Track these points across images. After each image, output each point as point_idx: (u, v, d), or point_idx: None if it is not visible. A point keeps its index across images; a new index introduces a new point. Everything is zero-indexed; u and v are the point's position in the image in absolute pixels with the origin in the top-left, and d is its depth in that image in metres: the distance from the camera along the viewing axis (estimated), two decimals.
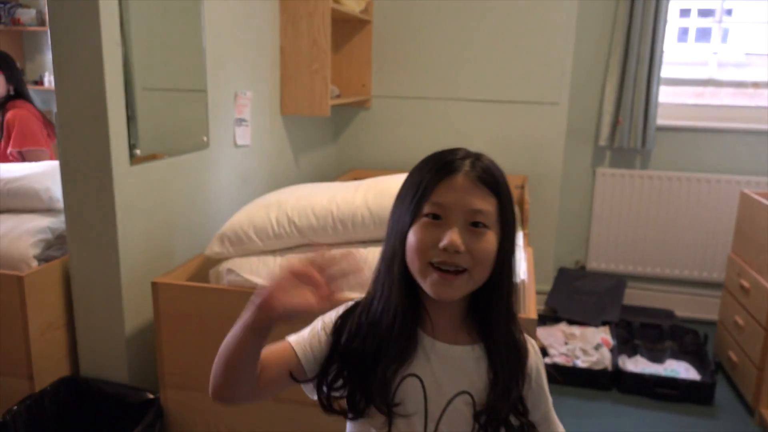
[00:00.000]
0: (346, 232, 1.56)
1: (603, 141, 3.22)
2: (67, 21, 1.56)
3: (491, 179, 0.85)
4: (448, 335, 0.89)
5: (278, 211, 1.62)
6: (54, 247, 1.80)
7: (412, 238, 0.84)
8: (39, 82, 4.02)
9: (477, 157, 0.87)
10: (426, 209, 0.83)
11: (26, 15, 3.77)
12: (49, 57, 4.42)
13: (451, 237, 0.80)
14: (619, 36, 3.12)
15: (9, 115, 2.47)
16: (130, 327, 1.73)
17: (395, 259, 0.86)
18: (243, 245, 1.61)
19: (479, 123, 3.23)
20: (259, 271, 1.57)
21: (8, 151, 2.44)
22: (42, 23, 3.83)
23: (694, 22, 3.48)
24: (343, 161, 3.45)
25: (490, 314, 0.88)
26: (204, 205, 2.10)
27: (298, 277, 0.75)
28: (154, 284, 1.57)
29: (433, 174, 0.84)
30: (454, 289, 0.83)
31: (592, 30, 3.20)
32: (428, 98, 3.27)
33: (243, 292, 1.48)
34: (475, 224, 0.82)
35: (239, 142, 2.32)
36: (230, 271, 1.53)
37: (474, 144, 3.04)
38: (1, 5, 3.74)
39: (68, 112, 1.61)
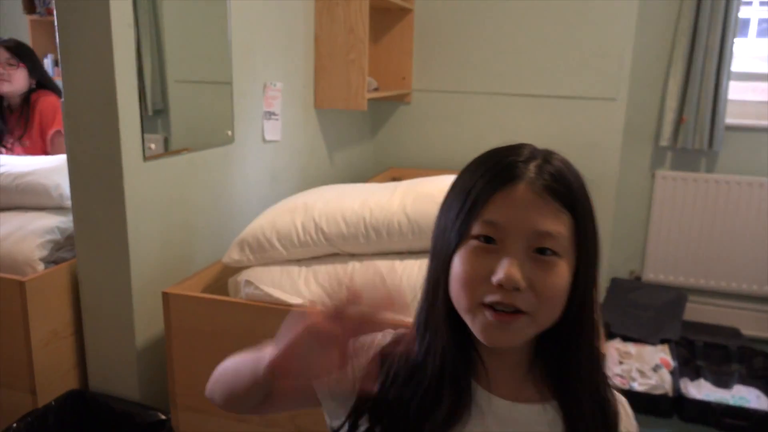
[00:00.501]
0: (381, 242, 1.37)
1: (664, 141, 2.94)
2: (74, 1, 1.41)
3: (565, 189, 0.64)
4: (509, 389, 0.68)
5: (304, 215, 1.43)
6: (64, 248, 1.66)
7: (457, 266, 0.64)
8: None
9: (546, 158, 0.66)
10: (476, 229, 0.63)
11: None
12: None
13: (508, 270, 0.60)
14: (685, 25, 2.84)
15: (40, 104, 2.35)
16: (142, 339, 1.57)
17: (439, 290, 0.67)
18: (265, 253, 1.43)
19: (527, 120, 2.99)
20: (281, 283, 1.39)
21: (51, 132, 2.32)
22: None
23: (765, 13, 3.16)
24: (380, 159, 3.26)
25: (567, 364, 0.67)
26: (227, 206, 1.93)
27: (319, 337, 0.59)
28: (165, 295, 1.40)
29: (486, 181, 0.64)
30: (511, 334, 0.63)
31: (654, 18, 2.92)
32: (473, 93, 3.05)
33: (262, 307, 1.30)
34: (542, 251, 0.62)
35: (268, 137, 2.15)
36: (249, 283, 1.35)
37: (522, 142, 2.74)
38: None
39: (75, 101, 1.46)
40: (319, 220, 1.40)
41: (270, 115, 2.16)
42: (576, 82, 2.88)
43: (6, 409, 1.52)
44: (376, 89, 2.81)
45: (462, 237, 0.64)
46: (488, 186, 0.63)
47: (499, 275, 0.60)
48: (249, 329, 1.32)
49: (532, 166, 0.64)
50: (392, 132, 3.22)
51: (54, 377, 1.55)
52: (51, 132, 2.33)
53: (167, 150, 1.66)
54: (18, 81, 2.34)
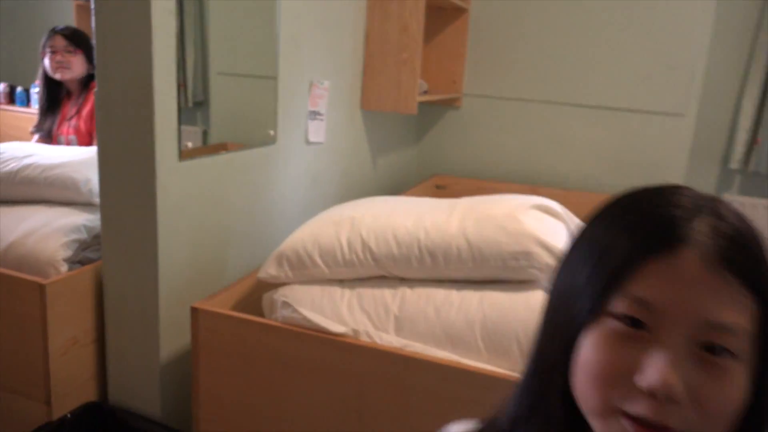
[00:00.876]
0: (436, 267, 1.21)
1: (734, 163, 2.71)
2: None
3: (749, 261, 0.45)
4: None
5: (351, 231, 1.28)
6: (91, 248, 1.55)
7: (588, 352, 0.47)
8: None
9: (716, 211, 0.47)
10: (619, 306, 0.46)
11: None
12: None
13: (665, 373, 0.43)
14: (764, 39, 2.61)
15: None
16: (167, 352, 1.45)
17: (554, 375, 0.50)
18: (305, 270, 1.29)
19: (585, 132, 2.80)
20: (321, 305, 1.24)
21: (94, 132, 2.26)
22: None
23: None
24: (424, 165, 3.10)
25: None
26: (264, 210, 1.80)
27: None
28: (194, 310, 1.27)
29: (635, 241, 0.46)
30: None
31: (730, 30, 2.70)
32: (527, 100, 2.87)
33: (299, 333, 1.16)
34: (711, 349, 0.44)
35: (312, 138, 2.01)
36: (286, 304, 1.21)
37: (577, 156, 2.54)
38: None
39: (109, 91, 1.34)
40: (367, 238, 1.25)
41: (315, 115, 2.02)
42: (641, 95, 2.68)
43: (19, 419, 1.41)
44: (425, 92, 2.66)
45: (596, 312, 0.47)
46: (638, 249, 0.46)
47: (650, 379, 0.43)
48: (284, 355, 1.18)
49: (700, 225, 0.46)
50: (438, 137, 3.06)
51: (71, 387, 1.44)
52: None
53: (205, 143, 1.55)
54: (77, 67, 2.30)
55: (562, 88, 2.80)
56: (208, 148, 1.55)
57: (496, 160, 2.94)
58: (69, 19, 3.80)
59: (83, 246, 1.52)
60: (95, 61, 1.33)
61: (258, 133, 1.74)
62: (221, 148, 1.58)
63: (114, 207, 1.39)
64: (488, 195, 1.42)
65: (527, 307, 1.11)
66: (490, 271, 1.17)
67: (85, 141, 2.28)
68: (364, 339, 1.14)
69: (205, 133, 1.61)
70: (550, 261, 1.13)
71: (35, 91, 3.80)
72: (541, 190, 2.81)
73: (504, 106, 2.91)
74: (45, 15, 4.19)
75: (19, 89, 3.83)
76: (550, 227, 1.20)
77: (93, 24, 1.34)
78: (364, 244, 1.25)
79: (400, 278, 1.26)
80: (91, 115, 2.25)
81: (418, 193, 2.76)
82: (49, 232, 1.46)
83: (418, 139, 3.10)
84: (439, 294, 1.18)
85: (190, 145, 1.41)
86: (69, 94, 2.38)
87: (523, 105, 2.88)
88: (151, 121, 1.32)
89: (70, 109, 2.33)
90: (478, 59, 2.91)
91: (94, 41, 1.33)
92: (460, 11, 2.87)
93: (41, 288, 1.32)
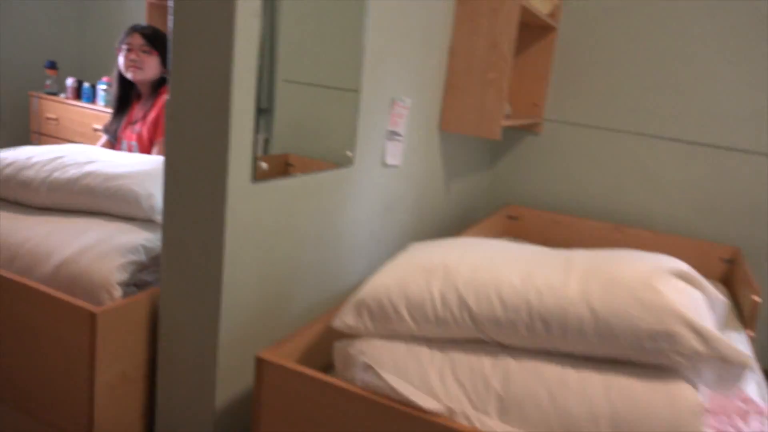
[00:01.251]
0: (549, 338, 1.01)
1: None
2: None
3: None
4: None
5: (444, 282, 1.09)
6: (148, 269, 1.41)
7: None
8: None
9: None
10: None
11: None
12: None
13: None
14: None
15: (165, 97, 2.18)
16: (224, 398, 1.29)
17: None
18: (388, 323, 1.11)
19: (678, 169, 2.55)
20: (405, 367, 1.05)
21: (160, 139, 2.15)
22: None
23: None
24: (496, 193, 2.90)
25: None
26: (335, 239, 1.63)
27: None
28: (259, 361, 1.10)
29: None
30: None
31: None
32: (615, 130, 2.64)
33: (382, 404, 0.98)
34: None
35: (389, 161, 1.84)
36: (368, 367, 1.03)
37: (669, 195, 2.25)
38: None
39: (182, 101, 1.20)
40: (465, 293, 1.06)
41: (394, 135, 1.85)
42: (743, 133, 2.42)
43: None
44: (508, 116, 2.46)
45: None
46: None
47: None
48: (361, 426, 1.00)
49: None
50: (514, 164, 2.85)
51: (117, 427, 1.29)
52: (162, 138, 2.14)
53: (266, 152, 1.39)
54: (150, 69, 2.19)
55: (655, 119, 2.56)
56: (277, 163, 1.38)
57: (576, 193, 2.71)
58: (140, 17, 3.75)
59: (140, 268, 1.37)
60: (169, 66, 1.19)
61: (334, 153, 1.57)
62: (283, 159, 1.42)
63: (177, 230, 1.25)
64: (607, 249, 1.20)
65: (671, 405, 0.90)
66: (618, 350, 0.96)
67: (146, 149, 2.17)
68: (461, 422, 0.95)
69: (266, 142, 1.46)
70: (698, 347, 0.92)
71: (101, 87, 3.77)
72: (626, 230, 2.57)
73: (588, 134, 2.69)
74: (116, 12, 4.17)
75: (86, 85, 3.81)
76: (693, 301, 0.98)
77: (169, 25, 1.20)
78: (461, 301, 1.06)
79: (503, 345, 1.06)
80: (155, 123, 2.13)
81: (491, 225, 2.56)
82: (105, 251, 1.32)
83: (491, 165, 2.90)
84: (552, 372, 0.98)
85: (265, 166, 1.25)
86: (139, 96, 2.28)
87: (609, 135, 2.65)
88: (226, 137, 1.17)
89: (137, 112, 2.23)
90: (563, 82, 2.70)
91: (170, 46, 1.19)
92: (547, 29, 2.67)
93: (92, 317, 1.18)
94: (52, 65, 3.96)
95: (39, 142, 3.94)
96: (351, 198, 1.67)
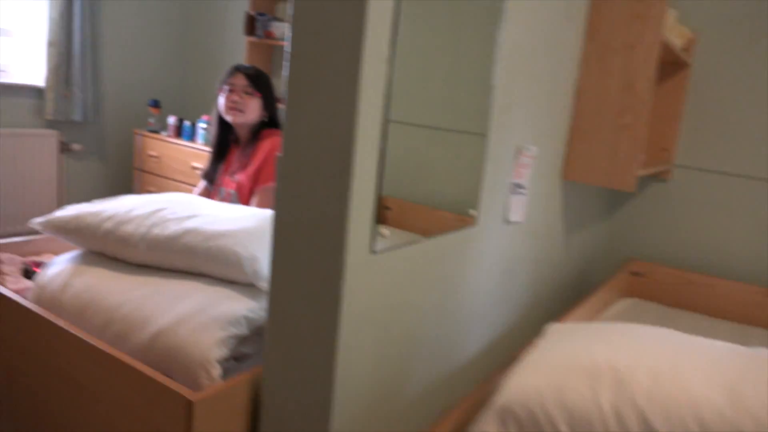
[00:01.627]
0: None
1: None
2: (316, 20, 1.00)
3: None
4: None
5: (617, 393, 0.86)
6: (249, 342, 1.25)
7: None
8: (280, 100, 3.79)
9: None
10: None
11: (279, 29, 3.54)
12: None
13: None
14: None
15: (266, 144, 2.08)
16: None
17: None
18: None
19: None
20: None
21: (263, 186, 2.04)
22: None
23: None
24: (616, 246, 2.60)
25: None
26: (454, 310, 1.43)
27: None
28: None
29: None
30: None
31: None
32: (759, 179, 2.30)
33: None
34: None
35: (513, 217, 1.62)
36: None
37: None
38: (260, 17, 3.55)
39: (296, 156, 1.04)
40: (650, 413, 0.82)
41: (517, 188, 1.64)
42: None
43: None
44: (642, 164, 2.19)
45: None
46: None
47: None
48: None
49: None
50: (637, 214, 2.55)
51: None
52: (263, 186, 2.03)
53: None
54: (251, 111, 2.10)
55: None
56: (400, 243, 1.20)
57: (712, 248, 2.37)
58: (240, 56, 3.77)
59: (241, 341, 1.22)
60: (285, 117, 1.04)
61: (424, 190, 1.36)
62: (382, 206, 1.23)
63: (284, 305, 1.08)
64: None
65: None
66: None
67: (245, 198, 2.06)
68: None
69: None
70: None
71: (201, 126, 3.80)
72: None
73: (726, 183, 2.36)
74: (216, 52, 4.23)
75: (186, 123, 3.85)
76: None
77: (286, 72, 1.05)
78: (645, 421, 0.82)
79: None
80: (256, 172, 2.02)
81: (615, 285, 2.27)
82: (205, 322, 1.18)
83: (610, 215, 2.61)
84: None
85: (387, 233, 1.07)
86: (237, 141, 2.19)
87: (753, 184, 2.31)
88: (346, 200, 1.00)
89: (236, 159, 2.13)
90: (697, 124, 2.40)
91: (284, 93, 1.04)
92: (680, 66, 2.39)
93: (189, 405, 1.03)
94: (156, 104, 4.04)
95: (141, 179, 4.01)
96: (473, 261, 1.47)
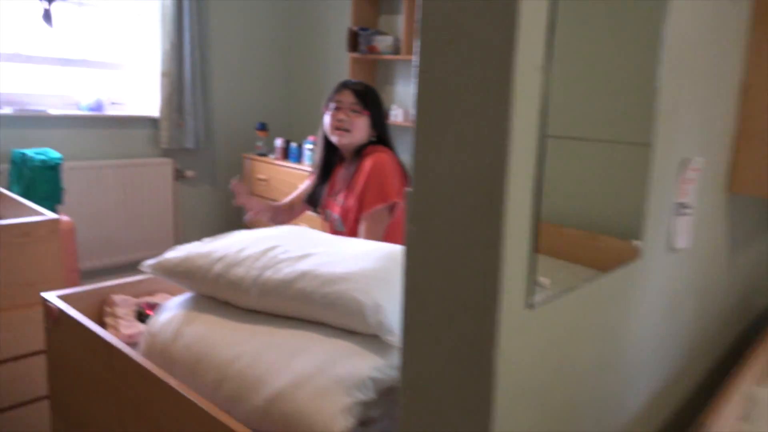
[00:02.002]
0: None
1: None
2: (452, 26, 0.81)
3: None
4: None
5: None
6: (376, 405, 1.07)
7: None
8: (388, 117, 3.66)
9: None
10: None
11: (383, 42, 3.41)
12: (400, 89, 4.13)
13: None
14: None
15: (367, 162, 1.94)
16: None
17: None
18: None
19: None
20: None
21: (371, 210, 1.90)
22: (396, 51, 3.45)
23: None
24: None
25: None
26: (619, 361, 1.18)
27: None
28: None
29: None
30: None
31: None
32: None
33: None
34: None
35: (679, 243, 1.35)
36: None
37: None
38: (362, 32, 3.45)
39: (430, 192, 0.85)
40: None
41: (682, 208, 1.36)
42: None
43: None
44: None
45: None
46: None
47: None
48: None
49: None
50: None
51: None
52: (369, 212, 1.87)
53: None
54: (358, 131, 1.96)
55: None
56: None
57: None
58: (344, 74, 3.68)
59: (368, 407, 1.05)
60: (413, 143, 0.86)
61: (565, 207, 1.13)
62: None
63: (421, 370, 0.89)
64: None
65: None
66: None
67: (351, 224, 1.91)
68: None
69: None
70: None
71: (308, 147, 3.75)
72: None
73: None
74: (320, 70, 4.18)
75: (293, 145, 3.82)
76: None
77: (415, 87, 0.87)
78: None
79: None
80: (362, 195, 1.87)
81: None
82: (326, 385, 1.02)
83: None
84: None
85: (546, 282, 0.86)
86: (341, 160, 2.06)
87: None
88: (497, 247, 0.80)
89: (339, 180, 2.00)
90: None
91: (413, 115, 0.86)
92: None
93: None
94: (263, 127, 4.05)
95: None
96: (636, 302, 1.21)
